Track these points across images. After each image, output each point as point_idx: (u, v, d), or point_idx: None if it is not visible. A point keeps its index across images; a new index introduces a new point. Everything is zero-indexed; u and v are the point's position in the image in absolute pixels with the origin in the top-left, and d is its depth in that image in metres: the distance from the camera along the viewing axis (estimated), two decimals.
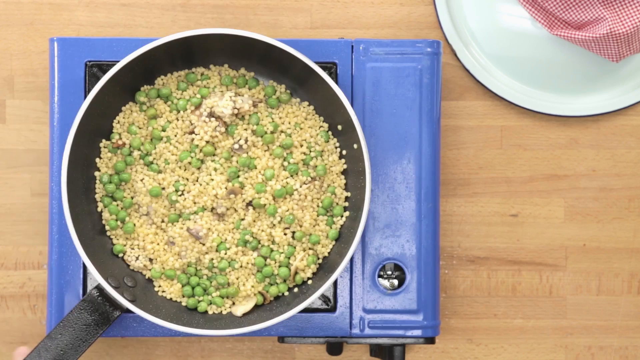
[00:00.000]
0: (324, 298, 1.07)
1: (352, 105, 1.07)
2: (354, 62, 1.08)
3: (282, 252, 1.05)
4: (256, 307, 1.05)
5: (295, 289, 1.06)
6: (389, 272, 1.08)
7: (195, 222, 1.05)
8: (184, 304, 1.06)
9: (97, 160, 1.06)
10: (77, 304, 1.02)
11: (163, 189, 1.05)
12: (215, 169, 1.05)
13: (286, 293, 1.06)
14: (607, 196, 1.17)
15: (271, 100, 1.07)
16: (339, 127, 1.05)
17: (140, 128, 1.06)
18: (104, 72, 1.04)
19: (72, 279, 1.06)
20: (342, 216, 1.06)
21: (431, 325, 1.08)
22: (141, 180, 1.05)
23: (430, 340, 1.08)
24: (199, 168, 1.06)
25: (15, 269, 1.15)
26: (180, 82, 1.07)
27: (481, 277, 1.16)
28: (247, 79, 1.07)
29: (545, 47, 1.14)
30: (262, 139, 1.06)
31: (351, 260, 1.07)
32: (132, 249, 1.06)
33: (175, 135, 1.06)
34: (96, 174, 1.06)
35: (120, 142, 1.06)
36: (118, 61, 1.02)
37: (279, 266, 1.05)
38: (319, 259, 1.06)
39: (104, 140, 1.06)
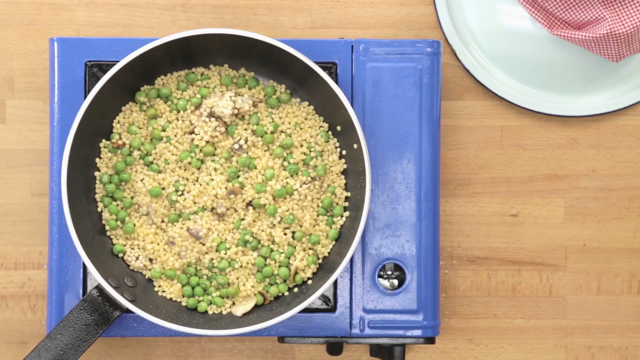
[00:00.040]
0: (324, 298, 1.07)
1: (352, 105, 1.07)
2: (354, 62, 1.07)
3: (282, 252, 1.05)
4: (256, 307, 1.05)
5: (295, 289, 1.05)
6: (389, 272, 1.08)
7: (195, 222, 1.05)
8: (184, 304, 1.06)
9: (97, 160, 1.06)
10: (77, 304, 1.02)
11: (163, 189, 1.05)
12: (215, 169, 1.05)
13: (286, 293, 1.06)
14: (607, 196, 1.17)
15: (271, 100, 1.07)
16: (339, 128, 1.05)
17: (140, 128, 1.06)
18: (104, 72, 1.04)
19: (72, 279, 1.06)
20: (342, 216, 1.06)
21: (431, 325, 1.08)
22: (141, 180, 1.05)
23: (430, 340, 1.08)
24: (199, 168, 1.06)
25: (15, 269, 1.14)
26: (180, 82, 1.07)
27: (481, 277, 1.16)
28: (247, 79, 1.07)
29: (545, 47, 1.14)
30: (262, 139, 1.05)
31: (351, 260, 1.07)
32: (132, 249, 1.06)
33: (175, 135, 1.06)
34: (96, 174, 1.06)
35: (120, 142, 1.06)
36: (118, 61, 1.02)
37: (279, 266, 1.05)
38: (319, 259, 1.06)
39: (104, 140, 1.06)
